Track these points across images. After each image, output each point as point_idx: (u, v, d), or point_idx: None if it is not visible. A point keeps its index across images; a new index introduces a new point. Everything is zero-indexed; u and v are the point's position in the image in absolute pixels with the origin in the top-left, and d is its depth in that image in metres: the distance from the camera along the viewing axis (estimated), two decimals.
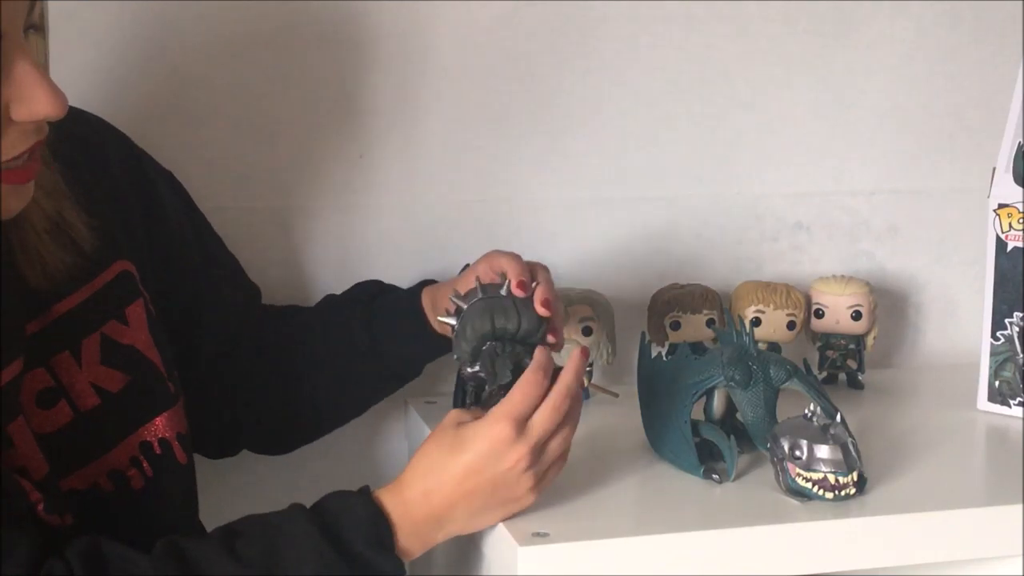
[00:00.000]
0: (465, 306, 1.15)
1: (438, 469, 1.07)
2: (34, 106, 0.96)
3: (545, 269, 1.22)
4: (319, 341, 1.32)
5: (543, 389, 1.08)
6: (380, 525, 1.06)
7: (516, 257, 1.20)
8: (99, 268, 1.13)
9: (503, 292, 1.15)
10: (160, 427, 1.15)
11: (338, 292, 1.39)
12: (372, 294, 1.34)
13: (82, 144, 1.16)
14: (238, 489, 1.40)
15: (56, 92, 0.97)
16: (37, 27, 0.99)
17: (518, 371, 1.10)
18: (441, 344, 1.28)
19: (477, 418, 1.08)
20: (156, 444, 1.14)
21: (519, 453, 1.06)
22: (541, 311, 1.14)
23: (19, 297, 1.06)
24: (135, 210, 1.21)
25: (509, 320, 1.13)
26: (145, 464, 1.13)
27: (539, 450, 1.08)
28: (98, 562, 1.00)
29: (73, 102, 1.11)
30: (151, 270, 1.20)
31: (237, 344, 1.31)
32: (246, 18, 1.41)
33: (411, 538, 1.07)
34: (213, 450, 1.34)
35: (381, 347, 1.30)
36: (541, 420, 1.07)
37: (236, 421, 1.32)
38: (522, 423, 1.07)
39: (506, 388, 1.10)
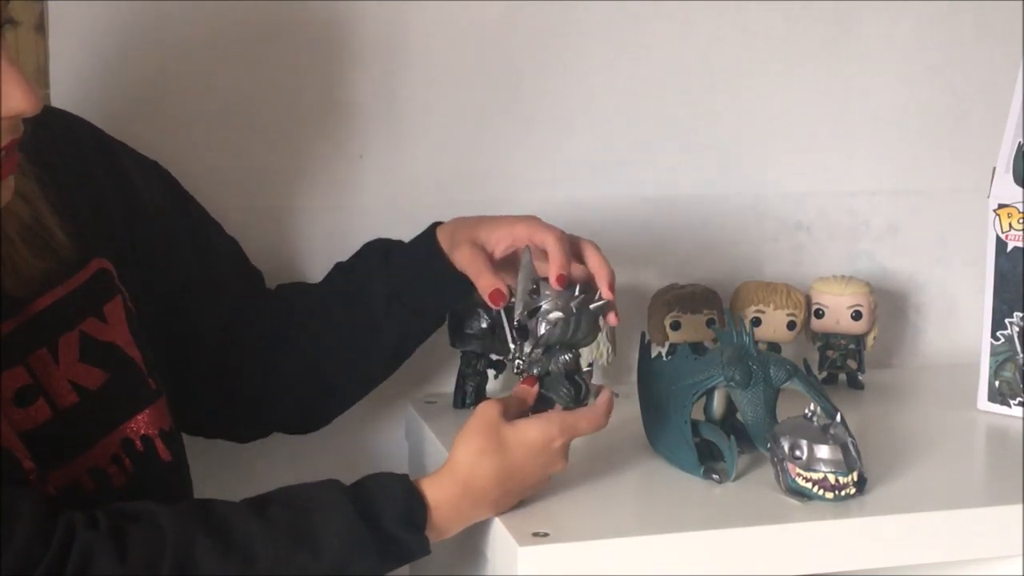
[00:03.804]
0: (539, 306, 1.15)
1: (486, 463, 1.10)
2: (8, 102, 0.95)
3: (592, 246, 1.22)
4: (339, 306, 1.31)
5: (602, 427, 1.16)
6: (414, 505, 1.08)
7: (560, 238, 1.20)
8: (76, 267, 1.12)
9: (574, 304, 1.15)
10: (142, 424, 1.14)
11: None
12: (385, 250, 1.33)
13: (57, 143, 1.15)
14: (234, 488, 1.38)
15: (31, 89, 0.96)
16: (13, 21, 0.98)
17: (571, 378, 1.17)
18: (464, 286, 1.26)
19: (520, 412, 1.14)
20: (138, 441, 1.14)
21: (564, 463, 1.14)
22: (606, 294, 1.17)
23: None
24: (113, 205, 1.20)
25: (575, 336, 1.16)
26: (127, 462, 1.13)
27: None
28: (121, 513, 1.01)
29: (66, 101, 1.11)
30: (132, 265, 1.19)
31: (241, 329, 1.29)
32: (240, 18, 1.41)
33: (444, 522, 1.10)
34: (240, 434, 1.34)
35: (404, 296, 1.29)
36: (583, 432, 1.15)
37: (257, 403, 1.31)
38: (572, 438, 1.14)
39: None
